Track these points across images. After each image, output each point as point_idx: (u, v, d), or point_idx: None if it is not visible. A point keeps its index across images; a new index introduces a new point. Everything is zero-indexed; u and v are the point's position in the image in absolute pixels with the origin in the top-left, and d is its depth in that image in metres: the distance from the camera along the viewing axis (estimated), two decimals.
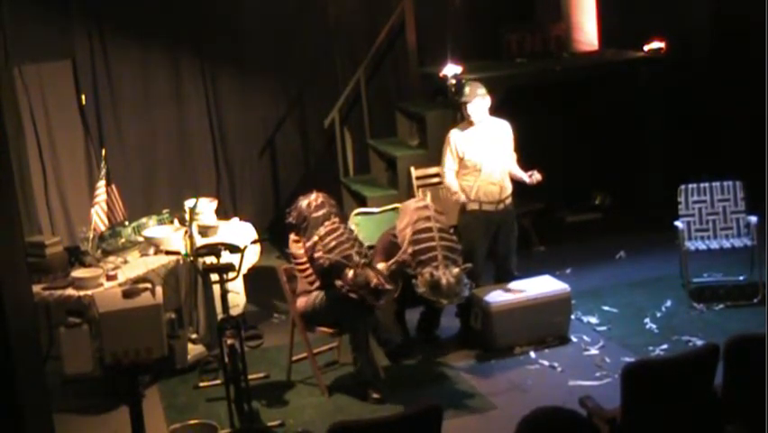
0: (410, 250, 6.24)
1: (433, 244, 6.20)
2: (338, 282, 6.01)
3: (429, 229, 6.28)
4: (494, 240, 6.92)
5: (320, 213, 6.25)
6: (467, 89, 6.85)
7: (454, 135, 6.87)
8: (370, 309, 6.12)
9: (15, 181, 5.12)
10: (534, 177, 6.78)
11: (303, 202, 6.36)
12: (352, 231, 6.36)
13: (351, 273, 5.95)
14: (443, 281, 6.03)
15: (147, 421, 5.22)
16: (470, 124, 6.84)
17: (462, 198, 6.76)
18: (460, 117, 7.13)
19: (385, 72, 9.46)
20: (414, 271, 6.21)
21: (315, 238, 6.15)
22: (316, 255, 6.13)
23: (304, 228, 6.27)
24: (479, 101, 6.80)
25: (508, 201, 6.90)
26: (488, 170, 6.79)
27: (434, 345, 6.92)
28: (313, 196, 6.37)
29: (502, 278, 6.99)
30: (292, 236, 6.35)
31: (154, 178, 9.07)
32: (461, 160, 6.81)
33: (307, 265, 6.21)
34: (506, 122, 6.98)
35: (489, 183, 6.80)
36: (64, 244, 6.89)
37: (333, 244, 6.09)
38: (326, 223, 6.20)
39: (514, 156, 6.96)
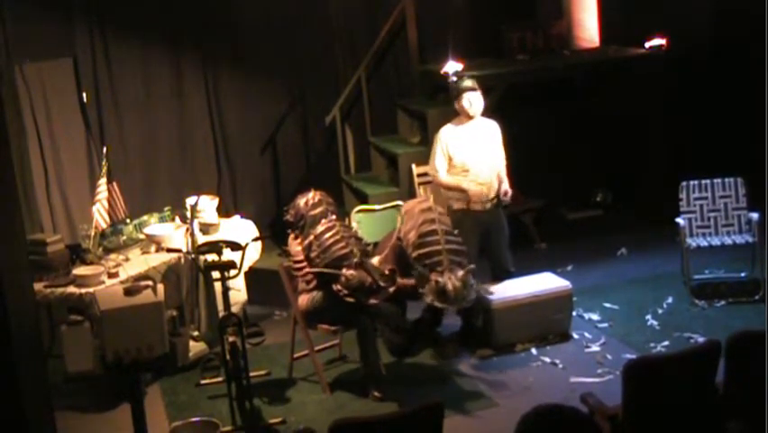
0: (415, 254, 6.21)
1: (438, 247, 6.12)
2: (334, 286, 6.01)
3: (434, 232, 6.21)
4: (486, 240, 6.86)
5: (317, 211, 6.25)
6: (468, 82, 6.76)
7: (445, 134, 6.78)
8: (366, 308, 6.10)
9: (17, 179, 5.12)
10: (507, 195, 6.75)
11: (300, 200, 6.36)
12: (349, 229, 6.34)
13: (343, 278, 5.93)
14: (450, 287, 5.94)
15: (148, 419, 5.22)
16: (463, 120, 6.76)
17: (464, 185, 6.70)
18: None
19: (386, 70, 9.45)
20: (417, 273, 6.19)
21: (311, 237, 6.15)
22: (312, 256, 6.12)
23: (301, 226, 6.27)
24: (478, 95, 6.74)
25: (495, 201, 6.87)
26: (475, 171, 6.73)
27: (436, 343, 6.92)
28: (310, 194, 6.37)
29: (499, 275, 6.95)
30: (291, 235, 6.36)
31: (155, 175, 9.07)
32: (449, 159, 6.75)
33: (304, 264, 6.21)
34: (494, 122, 6.92)
35: (477, 183, 6.74)
36: (65, 242, 6.89)
37: (329, 242, 6.07)
38: (323, 221, 6.19)
39: (503, 157, 6.91)
